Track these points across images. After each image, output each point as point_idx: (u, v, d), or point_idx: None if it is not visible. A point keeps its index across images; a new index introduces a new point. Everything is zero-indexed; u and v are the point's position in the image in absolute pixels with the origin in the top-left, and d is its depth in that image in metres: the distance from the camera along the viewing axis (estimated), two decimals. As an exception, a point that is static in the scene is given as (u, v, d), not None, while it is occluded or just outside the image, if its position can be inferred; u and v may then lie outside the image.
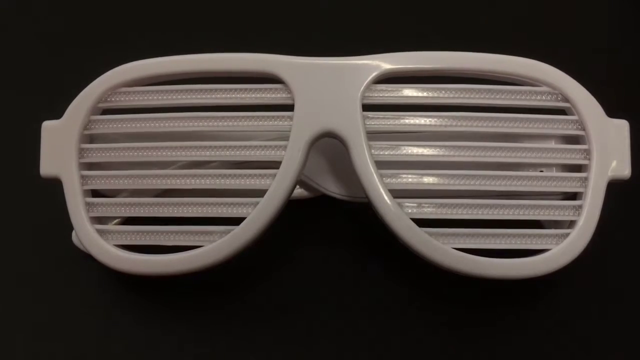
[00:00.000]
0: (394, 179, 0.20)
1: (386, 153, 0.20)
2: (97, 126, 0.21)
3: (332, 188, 0.22)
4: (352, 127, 0.20)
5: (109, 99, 0.21)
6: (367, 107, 0.20)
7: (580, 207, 0.20)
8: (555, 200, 0.21)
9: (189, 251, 0.20)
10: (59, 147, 0.21)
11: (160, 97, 0.21)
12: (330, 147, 0.21)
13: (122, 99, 0.21)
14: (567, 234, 0.20)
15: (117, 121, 0.21)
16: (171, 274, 0.20)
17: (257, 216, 0.20)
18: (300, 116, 0.20)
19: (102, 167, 0.21)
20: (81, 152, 0.21)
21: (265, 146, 0.20)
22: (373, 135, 0.20)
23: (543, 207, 0.20)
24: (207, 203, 0.20)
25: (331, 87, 0.20)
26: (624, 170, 0.20)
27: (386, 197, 0.20)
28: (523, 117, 0.20)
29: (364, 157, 0.20)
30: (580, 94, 0.20)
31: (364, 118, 0.20)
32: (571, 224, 0.20)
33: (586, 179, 0.20)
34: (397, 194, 0.20)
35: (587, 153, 0.20)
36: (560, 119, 0.21)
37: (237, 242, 0.20)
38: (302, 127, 0.20)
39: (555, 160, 0.21)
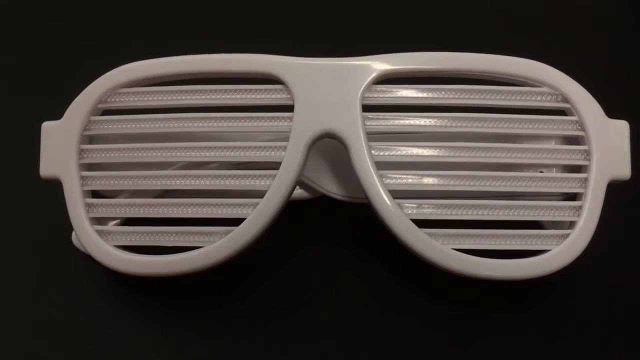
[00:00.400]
0: (393, 180, 0.20)
1: (386, 154, 0.20)
2: (97, 127, 0.21)
3: (332, 189, 0.22)
4: (352, 128, 0.20)
5: (108, 100, 0.21)
6: (366, 108, 0.20)
7: (580, 207, 0.20)
8: (555, 200, 0.21)
9: (189, 252, 0.20)
10: (58, 147, 0.21)
11: (160, 98, 0.21)
12: (330, 147, 0.21)
13: (122, 99, 0.21)
14: (567, 235, 0.20)
15: (117, 122, 0.21)
16: (171, 275, 0.20)
17: (257, 217, 0.20)
18: (300, 117, 0.20)
19: (102, 167, 0.21)
20: (81, 152, 0.21)
21: (265, 147, 0.20)
22: (373, 136, 0.20)
23: (543, 208, 0.20)
24: (207, 204, 0.20)
25: (331, 88, 0.20)
26: (624, 171, 0.20)
27: (386, 198, 0.20)
28: (523, 117, 0.20)
29: (363, 158, 0.20)
30: (580, 95, 0.20)
31: (364, 119, 0.20)
32: (571, 224, 0.20)
33: (586, 179, 0.20)
34: (397, 194, 0.20)
35: (587, 154, 0.20)
36: (560, 119, 0.21)
37: (237, 243, 0.20)
38: (302, 128, 0.20)
39: (555, 161, 0.21)
